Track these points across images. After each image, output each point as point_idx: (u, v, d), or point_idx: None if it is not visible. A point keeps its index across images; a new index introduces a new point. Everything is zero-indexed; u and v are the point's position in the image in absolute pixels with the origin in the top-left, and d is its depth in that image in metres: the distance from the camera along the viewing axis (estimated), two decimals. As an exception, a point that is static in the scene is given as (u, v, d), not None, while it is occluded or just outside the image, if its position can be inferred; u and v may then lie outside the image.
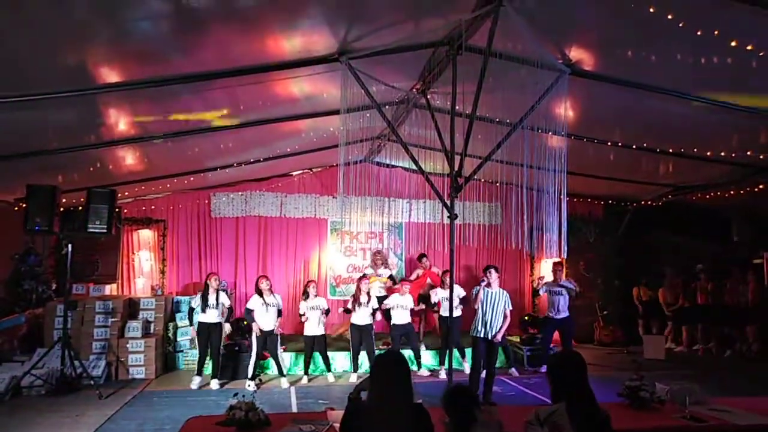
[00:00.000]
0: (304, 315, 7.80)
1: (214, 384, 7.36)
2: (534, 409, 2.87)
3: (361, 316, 7.84)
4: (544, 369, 8.09)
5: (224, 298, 7.65)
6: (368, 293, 7.98)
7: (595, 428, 2.68)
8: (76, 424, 5.63)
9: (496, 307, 6.54)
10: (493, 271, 6.67)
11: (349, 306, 7.98)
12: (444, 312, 7.91)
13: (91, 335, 7.81)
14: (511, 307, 6.71)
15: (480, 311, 6.58)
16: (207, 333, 7.46)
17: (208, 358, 7.56)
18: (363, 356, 7.96)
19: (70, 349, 6.99)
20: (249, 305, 7.63)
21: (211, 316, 7.48)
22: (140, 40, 4.33)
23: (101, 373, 7.52)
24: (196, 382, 7.35)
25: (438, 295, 8.19)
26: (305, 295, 7.96)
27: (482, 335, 6.52)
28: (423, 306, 8.60)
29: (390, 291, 8.90)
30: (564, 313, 8.35)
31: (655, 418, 3.87)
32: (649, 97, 5.68)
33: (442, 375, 7.86)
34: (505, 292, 6.74)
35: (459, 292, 7.84)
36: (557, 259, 8.80)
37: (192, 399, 6.72)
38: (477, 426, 2.82)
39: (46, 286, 8.64)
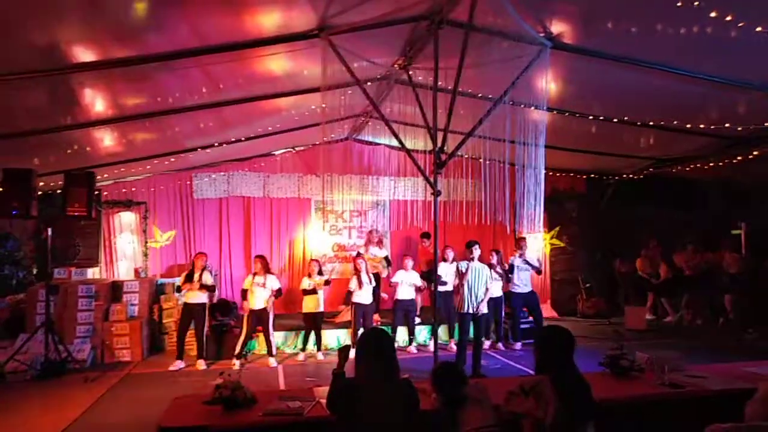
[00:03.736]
0: (304, 290, 7.85)
1: (201, 365, 7.35)
2: (518, 380, 2.93)
3: (365, 295, 7.85)
4: (518, 345, 8.27)
5: (207, 278, 7.55)
6: (367, 271, 7.98)
7: (579, 397, 2.76)
8: (63, 407, 5.60)
9: (480, 281, 6.80)
10: (477, 246, 6.87)
11: (351, 286, 7.91)
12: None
13: (74, 319, 7.75)
14: (491, 280, 6.99)
15: (466, 287, 6.75)
16: (188, 314, 7.42)
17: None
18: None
19: (53, 334, 6.94)
20: (244, 285, 7.77)
21: (195, 296, 7.41)
22: (112, 16, 4.20)
23: (87, 357, 7.48)
24: (177, 365, 7.29)
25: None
26: (309, 273, 8.00)
27: (471, 311, 6.72)
28: (425, 283, 8.56)
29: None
30: (529, 287, 8.50)
31: (635, 385, 3.98)
32: (629, 70, 5.67)
33: (431, 348, 7.95)
34: (485, 266, 7.01)
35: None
36: (525, 234, 8.91)
37: (178, 379, 6.72)
38: (467, 402, 2.88)
39: (27, 271, 8.53)
